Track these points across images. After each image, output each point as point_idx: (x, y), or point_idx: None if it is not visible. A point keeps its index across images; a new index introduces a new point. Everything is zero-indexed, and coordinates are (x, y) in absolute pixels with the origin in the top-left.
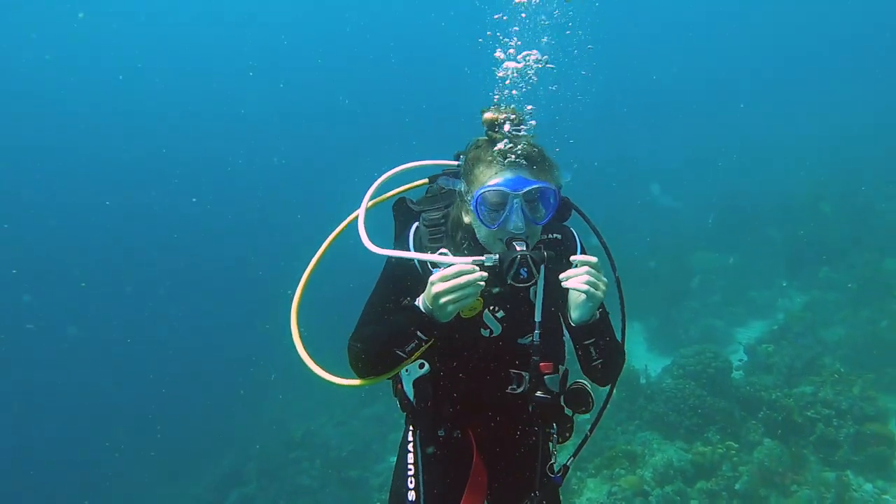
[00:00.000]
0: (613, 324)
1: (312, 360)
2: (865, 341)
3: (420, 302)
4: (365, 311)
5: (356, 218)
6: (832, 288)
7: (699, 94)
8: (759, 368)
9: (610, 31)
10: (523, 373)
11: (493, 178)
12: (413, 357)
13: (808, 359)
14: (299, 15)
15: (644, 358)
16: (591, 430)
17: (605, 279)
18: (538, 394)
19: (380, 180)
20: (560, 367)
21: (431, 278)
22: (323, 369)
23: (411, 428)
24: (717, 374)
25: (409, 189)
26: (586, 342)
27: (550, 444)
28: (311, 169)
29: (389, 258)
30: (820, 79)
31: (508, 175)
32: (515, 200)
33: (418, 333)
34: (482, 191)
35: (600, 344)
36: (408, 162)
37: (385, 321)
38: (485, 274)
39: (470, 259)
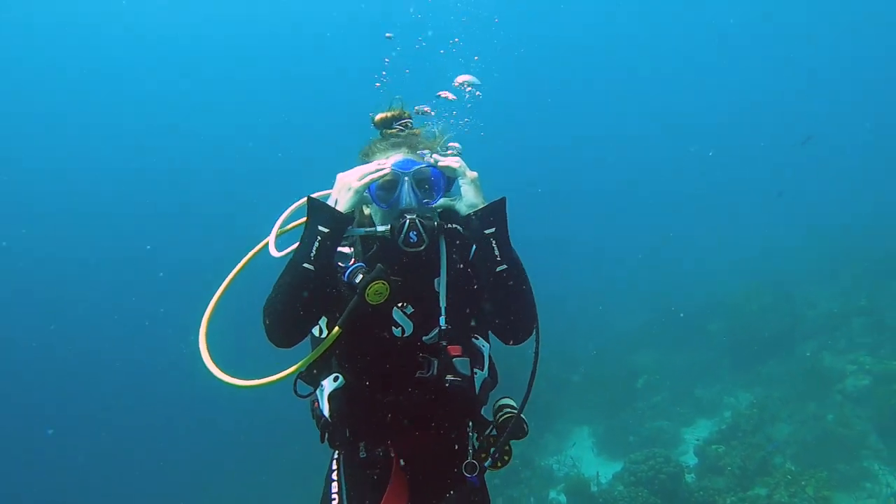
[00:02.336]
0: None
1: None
2: (814, 437)
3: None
4: None
5: (266, 245)
6: (775, 383)
7: (636, 195)
8: (711, 471)
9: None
10: (432, 357)
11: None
12: (320, 267)
13: (760, 459)
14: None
15: (594, 464)
16: (520, 411)
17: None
18: (448, 377)
19: (292, 208)
20: (477, 367)
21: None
22: (226, 373)
23: (335, 456)
24: (669, 479)
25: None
26: (487, 231)
27: (469, 444)
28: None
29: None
30: (746, 182)
31: (398, 158)
32: (405, 178)
33: (319, 227)
34: None
35: (503, 240)
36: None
37: None
38: (388, 164)
39: (363, 230)
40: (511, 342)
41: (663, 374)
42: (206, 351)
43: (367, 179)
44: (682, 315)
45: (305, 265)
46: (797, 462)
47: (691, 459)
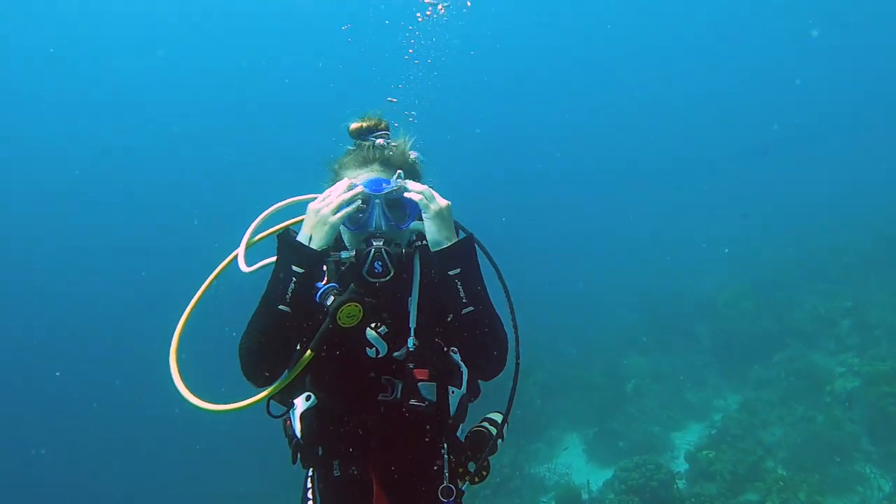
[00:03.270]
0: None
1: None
2: (805, 440)
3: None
4: None
5: (236, 257)
6: (764, 386)
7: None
8: (702, 477)
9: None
10: (395, 380)
11: (355, 180)
12: (297, 322)
13: (751, 464)
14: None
15: (584, 471)
16: (498, 435)
17: (440, 202)
18: (412, 402)
19: (260, 217)
20: (453, 385)
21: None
22: (200, 398)
23: (309, 475)
24: (661, 487)
25: (294, 224)
26: (451, 272)
27: (445, 466)
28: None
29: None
30: (733, 179)
31: (370, 177)
32: (376, 201)
33: (293, 268)
34: None
35: (469, 281)
36: (290, 197)
37: None
38: (361, 189)
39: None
40: (480, 379)
41: (652, 378)
42: (177, 373)
43: (343, 213)
44: (669, 317)
45: (281, 307)
46: (788, 466)
47: (682, 465)
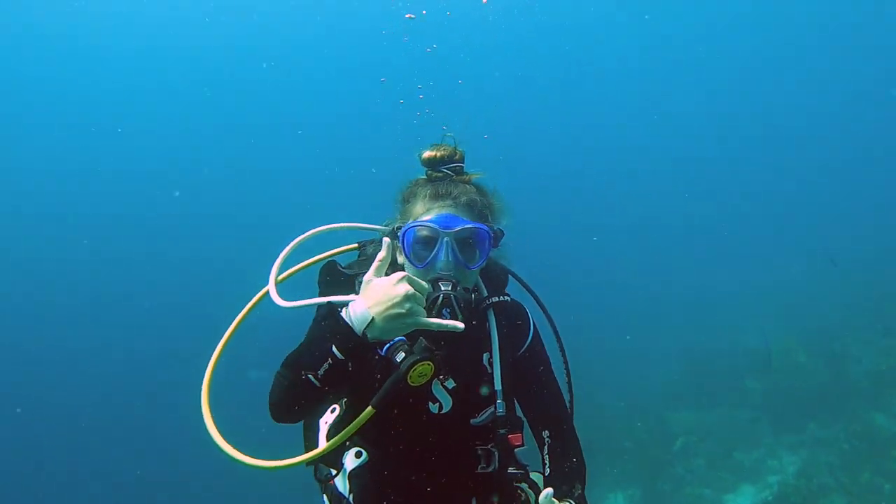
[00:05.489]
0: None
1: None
2: None
3: (349, 312)
4: None
5: (266, 294)
6: (822, 446)
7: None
8: None
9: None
10: (492, 448)
11: (425, 215)
12: (328, 393)
13: None
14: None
15: None
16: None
17: None
18: (510, 469)
19: (289, 247)
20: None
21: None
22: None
23: None
24: None
25: (332, 255)
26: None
27: None
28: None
29: (317, 315)
30: (775, 226)
31: (442, 212)
32: (445, 239)
33: (333, 349)
34: (412, 225)
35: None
36: (323, 225)
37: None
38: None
39: None
40: None
41: (700, 436)
42: (210, 422)
43: (413, 306)
44: (716, 370)
45: (310, 377)
46: None
47: None
